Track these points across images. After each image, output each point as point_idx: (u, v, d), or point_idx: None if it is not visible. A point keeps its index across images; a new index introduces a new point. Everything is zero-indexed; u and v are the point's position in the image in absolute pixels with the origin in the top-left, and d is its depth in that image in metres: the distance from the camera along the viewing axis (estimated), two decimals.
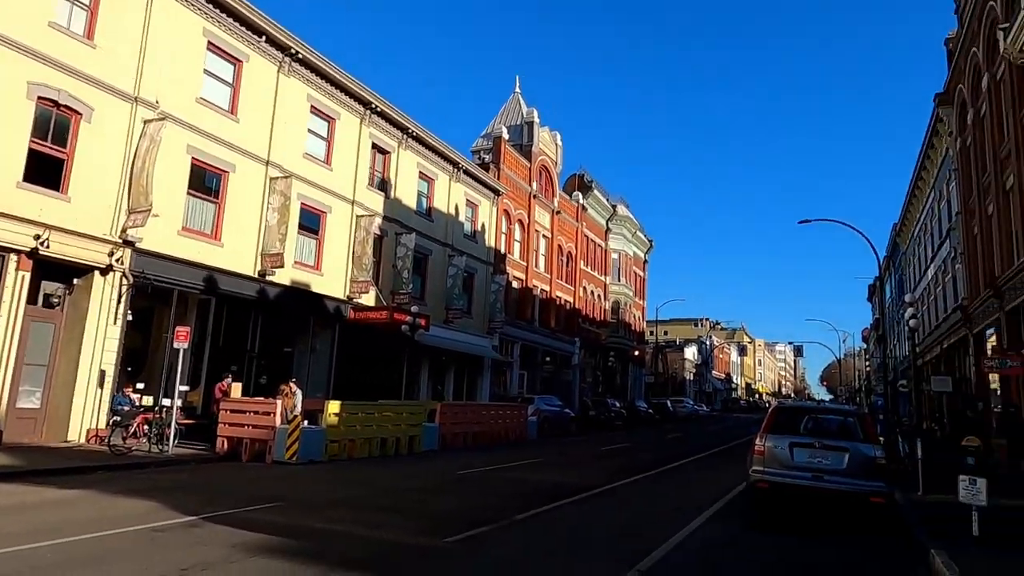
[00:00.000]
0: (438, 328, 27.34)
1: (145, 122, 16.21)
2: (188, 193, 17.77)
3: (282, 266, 19.89)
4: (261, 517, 8.51)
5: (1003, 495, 10.61)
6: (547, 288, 39.91)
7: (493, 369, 33.13)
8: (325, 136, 22.86)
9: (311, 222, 22.15)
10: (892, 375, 42.01)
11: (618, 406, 38.51)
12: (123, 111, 16.03)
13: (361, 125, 24.30)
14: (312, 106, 22.11)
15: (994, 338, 20.61)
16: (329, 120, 22.94)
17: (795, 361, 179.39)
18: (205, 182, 18.44)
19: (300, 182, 21.21)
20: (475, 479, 13.26)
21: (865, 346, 76.82)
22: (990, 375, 20.59)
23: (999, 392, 20.31)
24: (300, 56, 20.93)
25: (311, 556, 6.70)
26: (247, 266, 19.30)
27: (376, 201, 25.08)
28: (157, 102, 16.61)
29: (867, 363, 71.77)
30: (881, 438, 11.73)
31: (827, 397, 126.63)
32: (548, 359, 40.33)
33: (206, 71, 18.39)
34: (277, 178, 20.08)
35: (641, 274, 59.25)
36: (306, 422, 15.33)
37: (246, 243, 19.36)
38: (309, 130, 22.10)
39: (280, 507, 9.31)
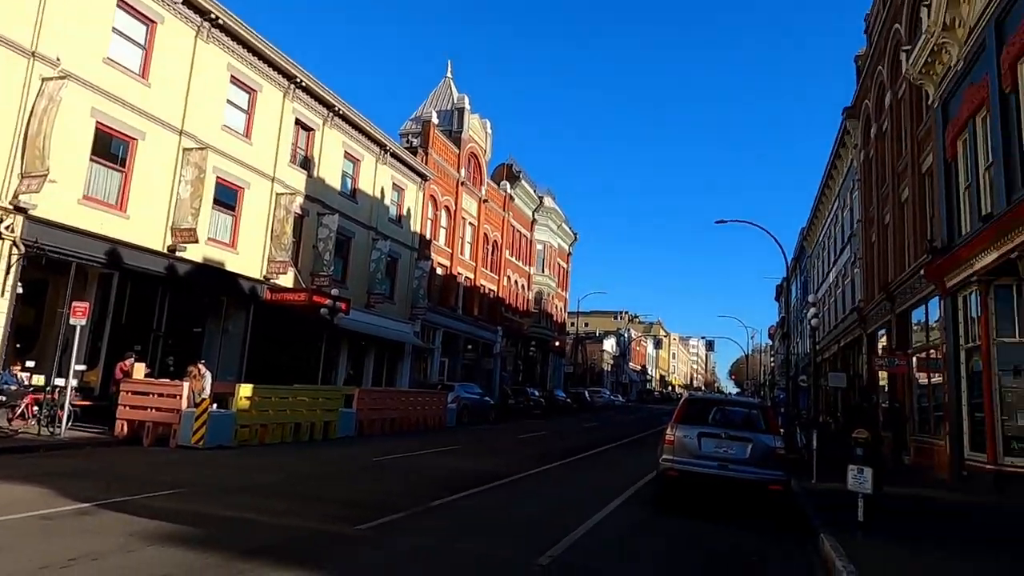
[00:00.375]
0: (359, 312, 26.82)
1: (44, 80, 14.96)
2: (91, 159, 16.58)
3: (195, 242, 18.93)
4: (161, 504, 8.11)
5: (887, 484, 11.45)
6: (472, 276, 39.87)
7: (414, 355, 32.85)
8: (245, 108, 21.86)
9: (227, 197, 21.17)
10: (794, 370, 44.55)
11: (537, 395, 39.06)
12: (18, 66, 14.74)
13: (284, 99, 23.40)
14: (232, 76, 21.08)
15: (885, 339, 22.19)
16: (250, 92, 21.95)
17: (707, 355, 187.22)
18: (111, 149, 17.27)
19: (217, 155, 20.22)
20: (391, 466, 13.13)
21: (771, 343, 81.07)
22: (880, 373, 22.19)
23: (887, 389, 21.93)
24: (220, 22, 19.88)
25: (213, 544, 6.44)
26: (155, 240, 18.25)
27: (298, 179, 24.25)
28: (58, 59, 15.37)
29: (772, 359, 75.81)
30: (782, 429, 12.41)
31: (735, 390, 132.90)
32: (470, 347, 40.36)
33: (115, 30, 17.17)
34: (191, 149, 19.05)
35: (565, 266, 60.15)
36: (215, 406, 14.74)
37: (155, 216, 18.30)
38: (228, 101, 21.07)
39: (183, 493, 8.91)
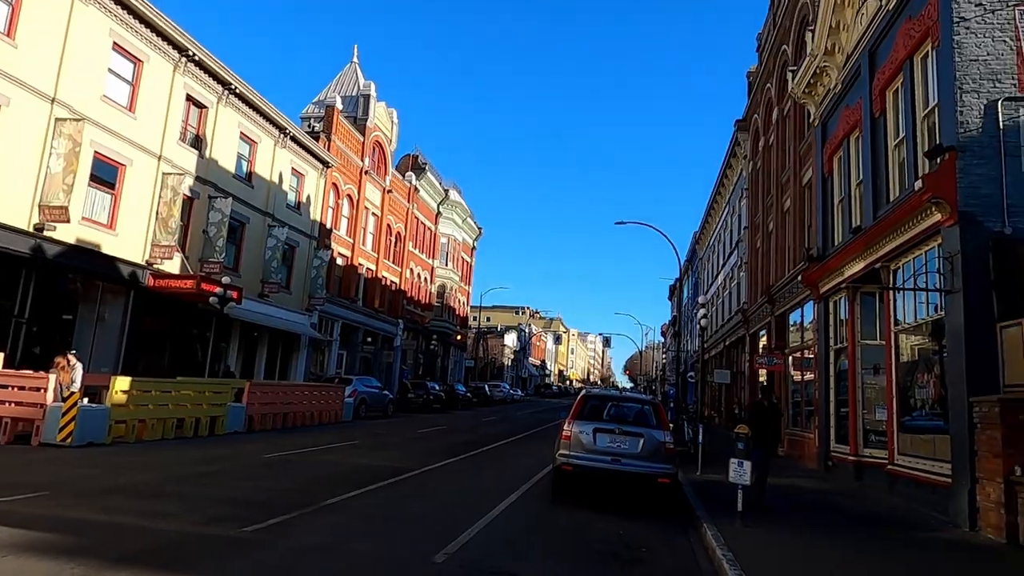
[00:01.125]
0: (252, 302, 25.62)
1: None
2: None
3: (66, 221, 17.36)
4: (20, 509, 7.38)
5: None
6: (373, 267, 39.06)
7: (311, 348, 31.80)
8: (130, 80, 20.27)
9: (107, 174, 19.56)
10: (684, 367, 46.88)
11: (438, 389, 38.85)
12: None
13: (174, 73, 21.89)
14: (115, 43, 19.47)
15: (765, 338, 23.76)
16: (136, 62, 20.37)
17: (603, 351, 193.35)
18: None
19: (95, 127, 18.63)
20: (283, 463, 12.64)
21: (663, 340, 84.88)
22: (760, 370, 23.74)
23: (766, 385, 23.49)
24: None
25: (81, 551, 5.93)
26: (20, 218, 16.59)
27: (188, 159, 22.79)
28: None
29: (664, 356, 79.39)
30: (671, 424, 13.00)
31: (629, 385, 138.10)
32: (370, 339, 39.57)
33: None
34: (65, 120, 17.44)
35: (468, 260, 60.16)
36: (86, 399, 13.62)
37: (20, 191, 16.62)
38: (110, 70, 19.45)
39: (46, 496, 8.16)
